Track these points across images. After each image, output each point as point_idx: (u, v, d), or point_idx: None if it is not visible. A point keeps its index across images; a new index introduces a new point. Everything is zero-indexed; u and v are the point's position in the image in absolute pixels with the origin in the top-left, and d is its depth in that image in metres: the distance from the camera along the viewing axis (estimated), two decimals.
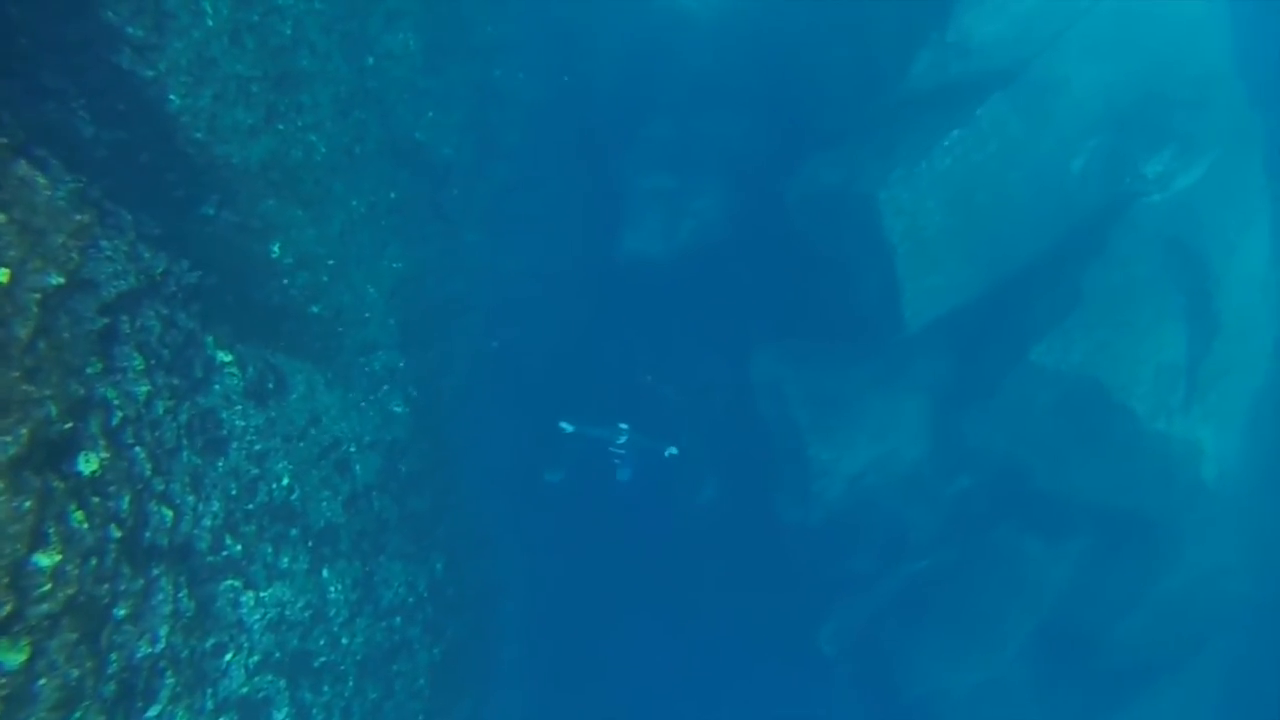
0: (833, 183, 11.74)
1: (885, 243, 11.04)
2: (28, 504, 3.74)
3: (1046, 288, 11.72)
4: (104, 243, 4.93)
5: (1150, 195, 11.80)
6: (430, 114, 9.23)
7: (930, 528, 13.42)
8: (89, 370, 4.55)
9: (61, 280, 4.07)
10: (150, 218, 6.66)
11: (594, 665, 13.63)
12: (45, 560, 3.84)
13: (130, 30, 5.78)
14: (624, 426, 11.85)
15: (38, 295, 3.96)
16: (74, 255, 4.20)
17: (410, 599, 8.30)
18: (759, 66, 13.15)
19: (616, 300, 13.14)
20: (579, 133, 12.22)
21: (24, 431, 3.74)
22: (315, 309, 7.83)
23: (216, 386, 5.96)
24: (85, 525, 4.04)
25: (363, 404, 8.04)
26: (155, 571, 4.71)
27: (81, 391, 4.34)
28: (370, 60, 8.40)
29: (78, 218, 4.28)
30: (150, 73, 6.05)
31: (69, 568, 3.93)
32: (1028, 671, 13.40)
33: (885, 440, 12.78)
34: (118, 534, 4.38)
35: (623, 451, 12.06)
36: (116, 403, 4.73)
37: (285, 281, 7.57)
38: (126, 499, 4.56)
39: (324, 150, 7.74)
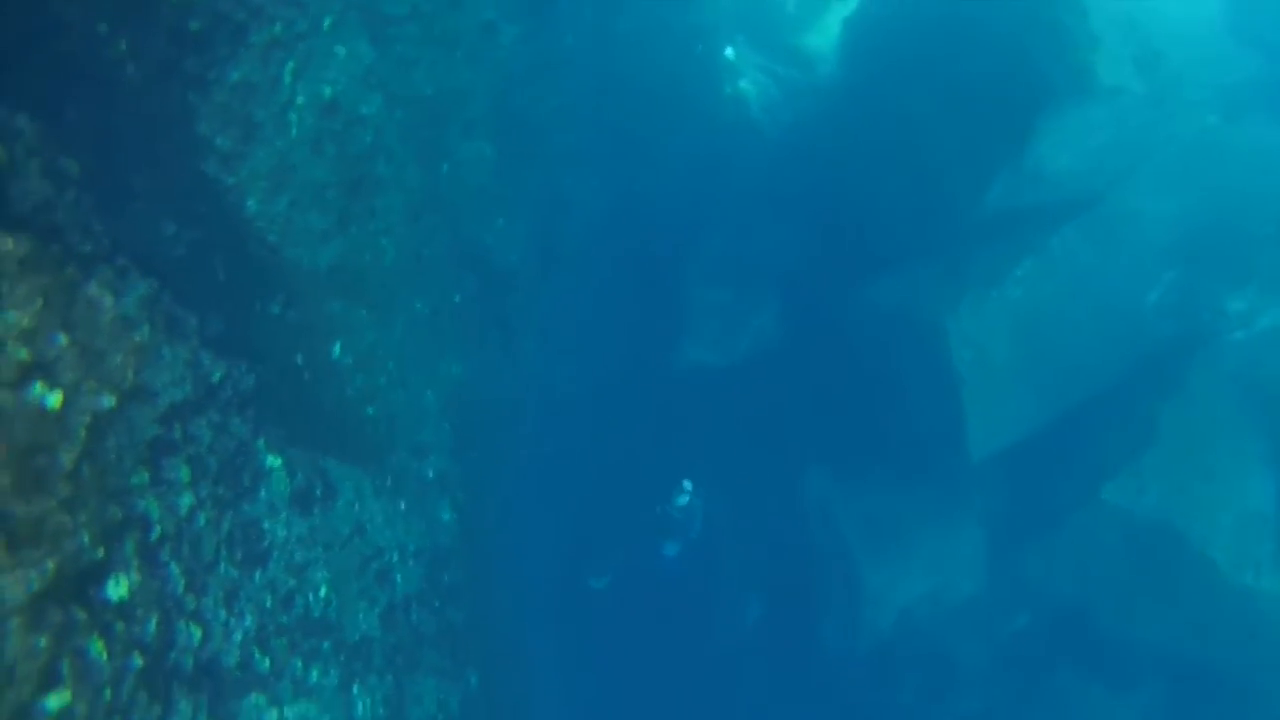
0: (895, 304, 11.60)
1: (951, 371, 10.78)
2: (43, 642, 3.59)
3: (1119, 424, 11.28)
4: (165, 351, 4.93)
5: (1232, 333, 11.37)
6: (499, 221, 9.33)
7: (982, 665, 12.75)
8: (134, 481, 4.48)
9: (113, 402, 4.04)
10: (216, 316, 6.74)
11: None
12: (55, 702, 3.66)
13: (219, 141, 5.93)
14: (688, 485, 11.39)
15: (87, 419, 3.92)
16: (130, 374, 4.18)
17: (440, 716, 7.97)
18: (822, 183, 13.22)
19: (670, 411, 12.99)
20: (642, 242, 12.30)
21: (51, 565, 3.63)
22: (370, 411, 7.79)
23: (263, 494, 5.88)
24: (104, 656, 3.90)
25: (410, 511, 7.90)
26: (175, 695, 4.52)
27: (120, 515, 4.26)
28: (445, 167, 8.55)
29: (138, 339, 4.27)
30: (232, 180, 6.18)
31: (79, 707, 3.75)
32: None
33: (940, 571, 12.25)
34: (140, 662, 4.22)
35: (679, 515, 11.59)
36: (156, 518, 4.65)
37: (343, 382, 7.55)
38: (154, 621, 4.42)
39: (393, 254, 7.81)
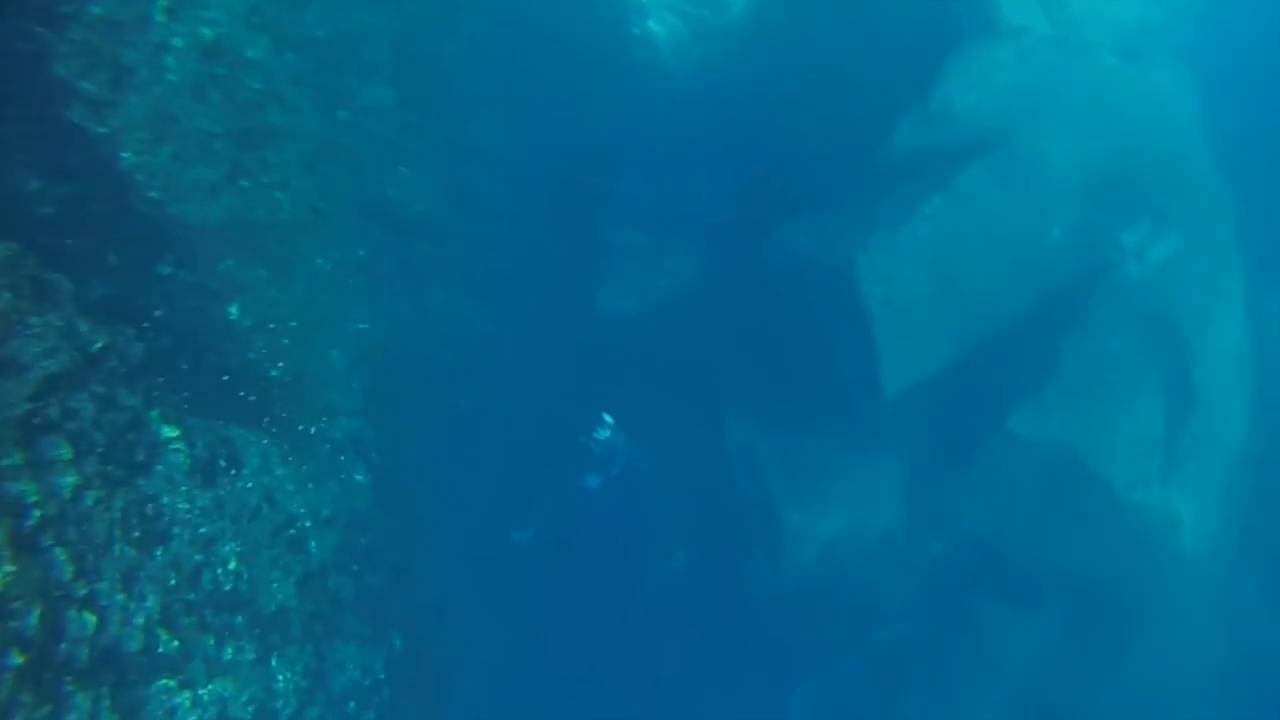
0: (809, 246, 11.63)
1: (863, 308, 10.90)
2: None
3: (1024, 356, 11.63)
4: (33, 319, 4.52)
5: (1127, 266, 11.82)
6: (403, 169, 8.93)
7: (903, 595, 13.17)
8: (4, 464, 4.12)
9: None
10: (99, 280, 6.28)
11: None
12: None
13: (84, 85, 5.43)
14: (609, 419, 11.37)
15: None
16: None
17: (366, 681, 7.81)
18: (734, 125, 13.08)
19: (588, 357, 12.84)
20: (553, 187, 12.00)
21: None
22: (275, 373, 7.43)
23: (159, 468, 5.53)
24: None
25: (322, 475, 7.61)
26: (67, 689, 4.24)
27: None
28: (343, 114, 8.10)
29: None
30: (103, 129, 5.70)
31: None
32: None
33: (859, 506, 12.54)
34: (19, 659, 3.92)
35: (599, 449, 11.61)
36: (34, 500, 4.30)
37: (243, 344, 7.17)
38: (36, 614, 4.10)
39: (289, 208, 7.41)
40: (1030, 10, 10.81)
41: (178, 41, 6.15)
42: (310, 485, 7.36)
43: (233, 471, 6.35)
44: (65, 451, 4.66)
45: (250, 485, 6.45)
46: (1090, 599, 12.21)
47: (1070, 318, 11.65)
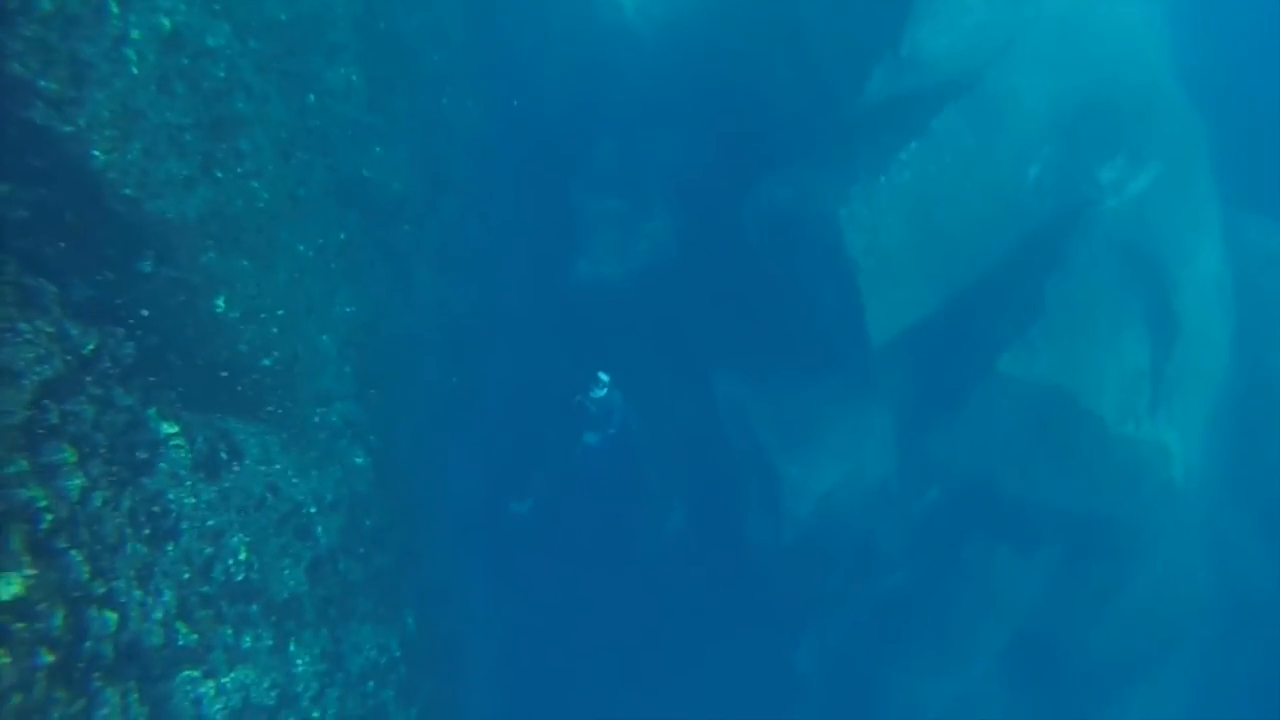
0: (788, 200, 11.60)
1: (846, 259, 10.92)
2: None
3: (1008, 298, 11.71)
4: (23, 325, 4.48)
5: (1105, 201, 11.87)
6: (377, 150, 8.85)
7: (901, 542, 13.36)
8: (11, 471, 4.11)
9: None
10: (81, 282, 6.22)
11: (573, 699, 13.30)
12: None
13: (43, 84, 5.33)
14: (604, 378, 11.43)
15: None
16: None
17: (383, 660, 7.90)
18: (705, 83, 12.99)
19: (574, 325, 12.85)
20: (528, 159, 11.91)
21: None
22: (266, 362, 7.41)
23: (162, 465, 5.53)
24: (6, 660, 3.61)
25: (322, 460, 7.62)
26: (96, 684, 4.29)
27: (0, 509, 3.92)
28: (311, 98, 8.01)
29: None
30: (69, 128, 5.60)
31: None
32: (1003, 680, 13.40)
33: (853, 456, 12.66)
34: (49, 658, 3.96)
35: (596, 408, 11.68)
36: (45, 504, 4.30)
37: (232, 337, 7.14)
38: (60, 615, 4.14)
39: (266, 196, 7.33)
40: None
41: (135, 33, 6.03)
42: (312, 472, 7.38)
43: (234, 463, 6.35)
44: (69, 455, 4.65)
45: (253, 476, 6.46)
46: (1085, 535, 12.41)
47: (1052, 257, 11.71)
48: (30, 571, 4.07)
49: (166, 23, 6.21)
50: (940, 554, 13.22)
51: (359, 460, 8.21)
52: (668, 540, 13.66)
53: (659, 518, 13.67)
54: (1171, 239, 12.12)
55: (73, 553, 4.47)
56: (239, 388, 6.94)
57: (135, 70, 5.84)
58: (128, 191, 5.97)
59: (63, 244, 6.12)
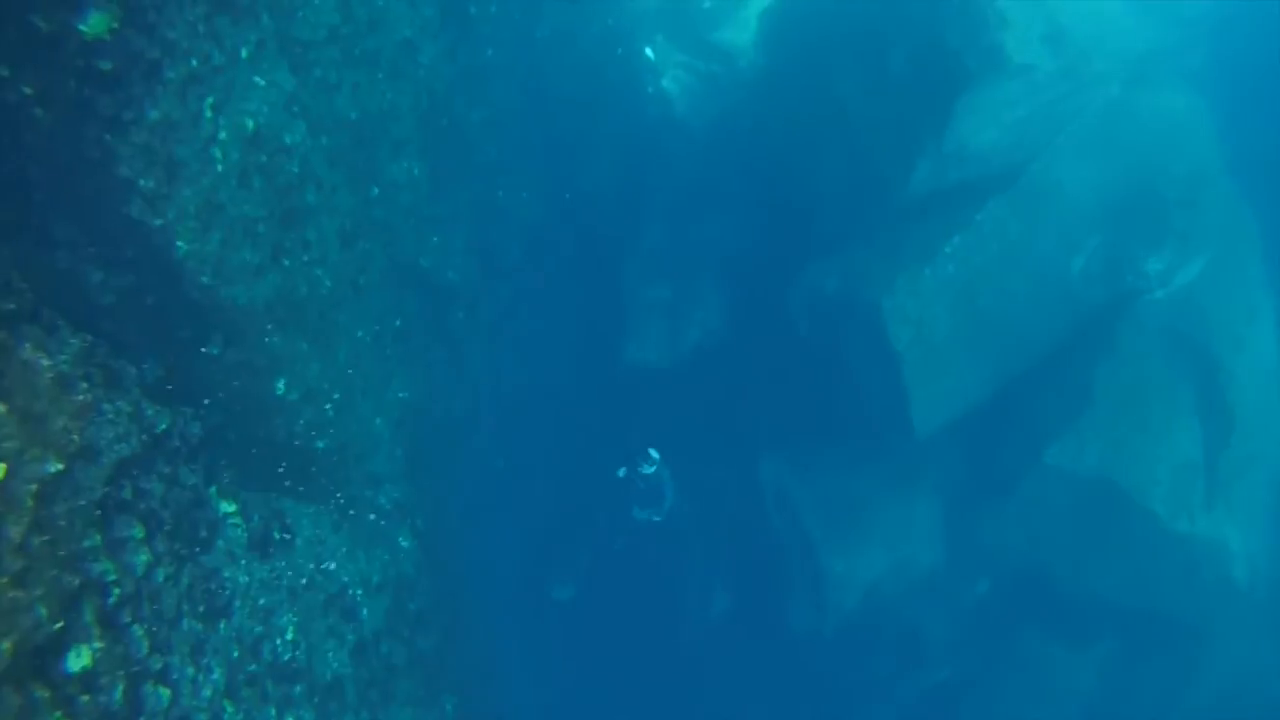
0: (835, 289, 11.76)
1: (891, 350, 10.99)
2: None
3: (1057, 388, 11.65)
4: (106, 406, 4.75)
5: (1153, 292, 11.82)
6: (435, 239, 9.22)
7: (950, 635, 13.07)
8: (87, 545, 4.31)
9: (60, 466, 3.87)
10: (155, 362, 6.54)
11: None
12: None
13: (142, 183, 5.74)
14: (654, 454, 11.32)
15: (34, 487, 3.76)
16: (74, 437, 4.02)
17: None
18: (754, 175, 13.35)
19: (622, 409, 13.00)
20: (579, 247, 12.28)
21: (7, 645, 3.46)
22: (321, 444, 7.63)
23: (220, 543, 5.72)
24: None
25: (370, 542, 7.76)
26: None
27: (76, 582, 4.10)
28: (375, 190, 8.41)
29: (80, 397, 4.11)
30: (159, 221, 5.99)
31: None
32: None
33: (900, 546, 12.50)
34: None
35: (644, 485, 11.55)
36: (114, 579, 4.49)
37: (291, 417, 7.39)
38: (120, 689, 4.27)
39: (329, 283, 7.66)
40: (1035, 48, 10.97)
41: (223, 134, 6.46)
42: (359, 553, 7.52)
43: (287, 543, 6.52)
44: (138, 531, 4.85)
45: (304, 556, 6.62)
46: (1144, 632, 12.04)
47: (1101, 346, 11.65)
48: (98, 644, 4.22)
49: (250, 123, 6.65)
50: (991, 647, 12.89)
51: (405, 543, 8.34)
52: (711, 627, 13.51)
53: (703, 604, 13.55)
54: (1224, 328, 11.99)
55: (135, 627, 4.62)
56: (294, 468, 7.15)
57: (220, 168, 6.25)
58: (205, 279, 6.31)
59: (142, 327, 6.46)
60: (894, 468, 12.15)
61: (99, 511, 4.57)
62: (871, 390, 11.58)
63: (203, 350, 6.85)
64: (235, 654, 5.66)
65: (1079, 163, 11.72)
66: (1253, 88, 13.05)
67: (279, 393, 7.29)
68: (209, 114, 6.30)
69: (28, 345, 4.10)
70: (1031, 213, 11.40)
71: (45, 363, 4.13)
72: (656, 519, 11.86)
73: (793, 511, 12.59)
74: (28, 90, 5.28)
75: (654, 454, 11.38)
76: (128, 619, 4.59)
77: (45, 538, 3.92)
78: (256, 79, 6.84)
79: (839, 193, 12.11)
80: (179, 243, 6.16)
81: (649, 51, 14.69)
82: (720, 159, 13.64)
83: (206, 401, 6.65)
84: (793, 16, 13.03)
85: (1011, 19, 10.38)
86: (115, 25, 5.25)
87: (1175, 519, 11.24)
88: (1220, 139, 12.81)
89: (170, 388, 6.21)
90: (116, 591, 4.55)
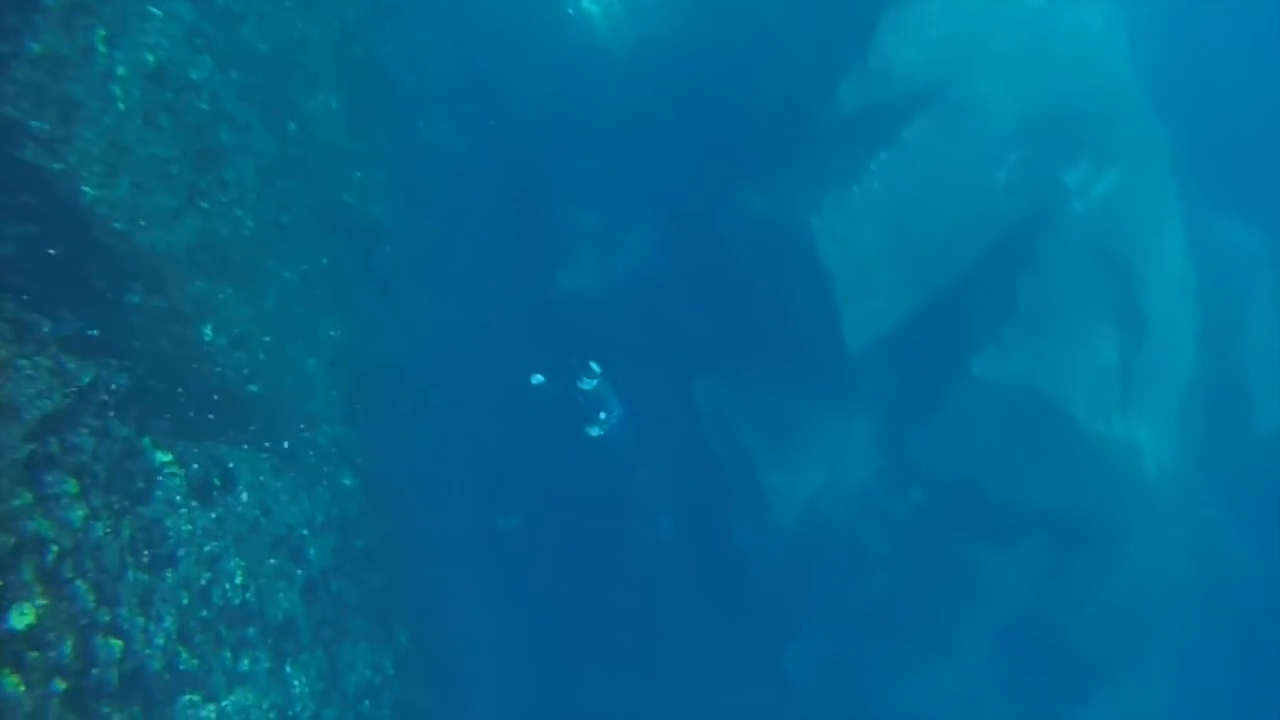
0: (764, 210, 11.81)
1: (822, 268, 11.14)
2: None
3: (982, 300, 11.95)
4: (22, 362, 4.59)
5: (1071, 204, 12.13)
6: (357, 174, 8.98)
7: (886, 544, 13.53)
8: (16, 503, 4.22)
9: None
10: (71, 314, 6.32)
11: (568, 710, 13.39)
12: None
13: (34, 124, 5.45)
14: (595, 367, 11.29)
15: None
16: None
17: (377, 679, 7.99)
18: (678, 97, 13.20)
19: (557, 337, 12.97)
20: (506, 177, 12.06)
21: None
22: (254, 388, 7.51)
23: (159, 493, 5.63)
24: (21, 688, 3.72)
25: (311, 483, 7.72)
26: (105, 710, 4.38)
27: (11, 541, 4.02)
28: (292, 126, 8.14)
29: None
30: (59, 165, 5.72)
31: None
32: (992, 676, 13.58)
33: (836, 461, 12.86)
34: (61, 686, 4.06)
35: (586, 400, 11.53)
36: (51, 536, 4.40)
37: (221, 364, 7.24)
38: (69, 643, 4.24)
39: (251, 224, 7.45)
40: None
41: (121, 70, 6.16)
42: (302, 494, 7.48)
43: (228, 489, 6.45)
44: (71, 486, 4.75)
45: (246, 500, 6.56)
46: (1065, 530, 12.64)
47: (1022, 259, 11.96)
48: (41, 601, 4.17)
49: (151, 58, 6.34)
50: (925, 554, 13.40)
51: (348, 482, 8.32)
52: (656, 549, 13.79)
53: (647, 526, 13.80)
54: (1137, 239, 12.41)
55: (78, 582, 4.56)
56: (228, 414, 7.04)
57: (122, 106, 5.97)
58: (118, 225, 6.09)
59: (53, 278, 6.21)
60: (828, 385, 12.41)
61: (26, 471, 4.45)
62: (803, 309, 11.75)
63: (123, 299, 6.64)
64: (185, 601, 5.63)
65: (1000, 78, 11.85)
66: (1165, 2, 13.26)
67: (207, 339, 7.13)
68: (102, 48, 5.98)
69: None
70: (955, 128, 11.53)
71: None
72: (599, 434, 11.87)
73: (731, 432, 12.81)
74: None
75: (595, 367, 11.31)
76: (69, 574, 4.53)
77: None
78: (152, 9, 6.51)
79: (765, 114, 12.08)
80: (85, 188, 5.92)
81: None
82: (644, 82, 13.44)
83: (130, 351, 6.47)
84: None
85: None
86: None
87: (1093, 421, 11.76)
88: (1135, 54, 13.08)
89: (92, 339, 6.01)
90: (55, 548, 4.47)
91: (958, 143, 11.55)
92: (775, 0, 11.61)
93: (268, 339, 7.55)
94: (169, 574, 5.53)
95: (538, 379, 11.19)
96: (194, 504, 6.02)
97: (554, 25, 13.44)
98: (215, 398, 7.11)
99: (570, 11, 14.02)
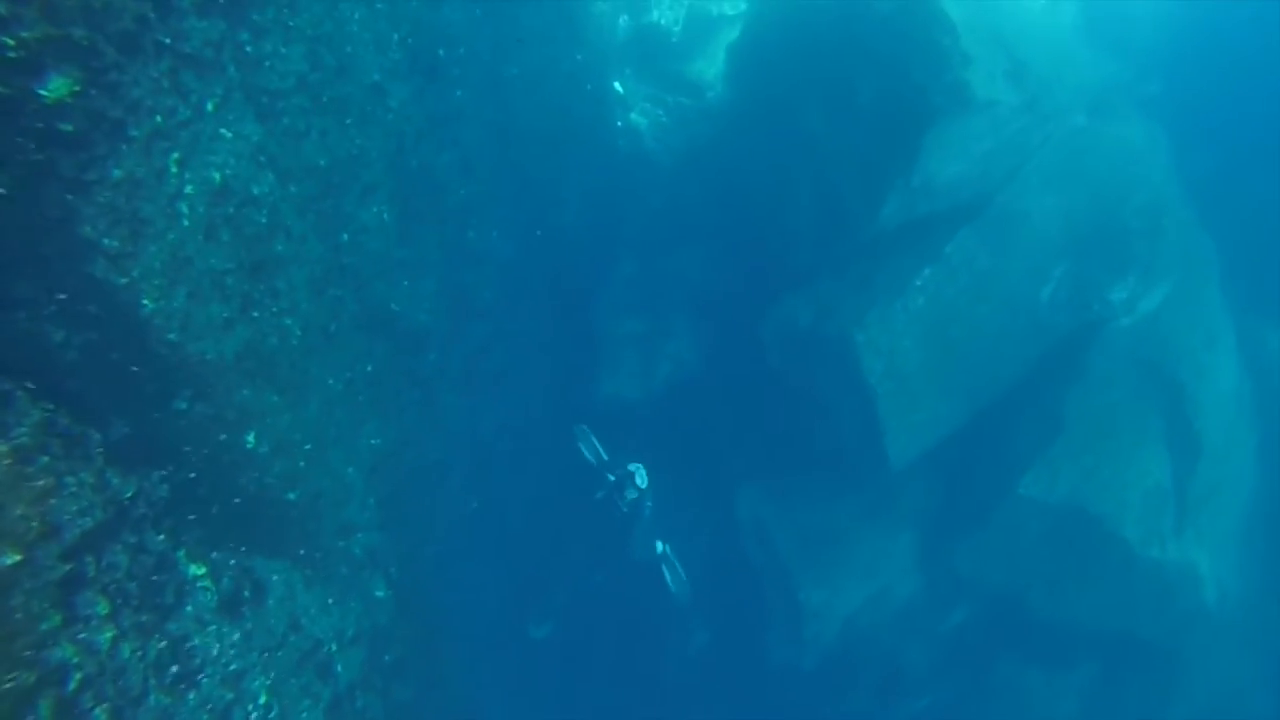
0: (807, 322, 11.81)
1: (864, 383, 11.05)
2: None
3: (1028, 417, 11.75)
4: (68, 479, 4.64)
5: (1119, 320, 12.00)
6: (405, 282, 9.16)
7: (929, 663, 13.08)
8: (45, 626, 4.19)
9: (18, 557, 3.77)
10: (119, 418, 6.43)
11: None
12: None
13: (106, 242, 5.66)
14: (640, 474, 10.77)
15: None
16: (34, 524, 3.91)
17: None
18: (725, 208, 13.42)
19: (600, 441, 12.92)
20: (552, 283, 12.26)
21: None
22: (292, 496, 7.52)
23: (189, 608, 5.60)
24: None
25: (343, 594, 7.64)
26: None
27: (32, 678, 3.97)
28: (345, 237, 8.35)
29: (40, 482, 4.00)
30: (123, 280, 5.90)
31: None
32: None
33: (877, 577, 12.53)
34: None
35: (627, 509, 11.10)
36: (76, 661, 4.36)
37: (261, 471, 7.28)
38: None
39: (299, 333, 7.58)
40: (998, 83, 11.17)
41: (189, 189, 6.40)
42: (333, 607, 7.40)
43: (258, 602, 6.40)
44: (102, 606, 4.73)
45: (276, 614, 6.50)
46: (1121, 656, 12.13)
47: (1069, 375, 11.79)
48: None
49: (217, 176, 6.59)
50: (970, 675, 12.92)
51: (379, 593, 8.23)
52: (691, 662, 13.42)
53: (682, 639, 13.46)
54: (1188, 355, 12.20)
55: (96, 712, 4.49)
56: (265, 523, 7.04)
57: (186, 223, 6.18)
58: (171, 336, 6.22)
59: (106, 384, 6.36)
60: (870, 499, 12.18)
61: (59, 591, 4.44)
62: (846, 422, 11.62)
63: (171, 405, 6.75)
64: None
65: (1044, 193, 11.90)
66: (1205, 115, 13.35)
67: (249, 446, 7.19)
68: (174, 169, 6.24)
69: None
70: (999, 243, 11.55)
71: (1, 448, 4.01)
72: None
73: (770, 544, 12.57)
74: None
75: (638, 473, 10.93)
76: (89, 703, 4.46)
77: (1, 634, 3.80)
78: (223, 131, 6.78)
79: (809, 226, 12.20)
80: (144, 300, 6.08)
81: (618, 85, 14.77)
82: (690, 192, 13.70)
83: (174, 457, 6.54)
84: (761, 50, 13.17)
85: (974, 56, 10.56)
86: (77, 88, 5.19)
87: (1147, 545, 11.36)
88: (1179, 167, 13.09)
89: (136, 448, 6.09)
90: (78, 676, 4.42)
91: (1002, 257, 11.55)
92: (821, 115, 11.81)
93: (309, 446, 7.60)
94: (191, 696, 5.45)
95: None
96: (223, 619, 5.97)
97: (602, 135, 13.84)
98: (253, 506, 7.13)
99: (618, 123, 14.46)
